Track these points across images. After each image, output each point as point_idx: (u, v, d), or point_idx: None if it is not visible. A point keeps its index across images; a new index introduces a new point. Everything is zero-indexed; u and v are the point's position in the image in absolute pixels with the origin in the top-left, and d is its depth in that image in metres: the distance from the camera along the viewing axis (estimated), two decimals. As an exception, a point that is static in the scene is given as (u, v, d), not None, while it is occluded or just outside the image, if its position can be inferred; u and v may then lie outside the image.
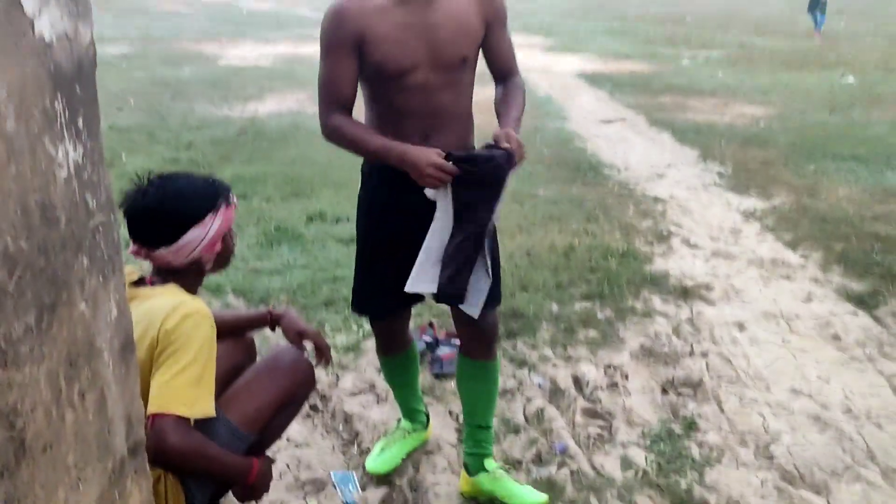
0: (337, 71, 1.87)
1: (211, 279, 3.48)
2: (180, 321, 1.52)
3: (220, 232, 1.68)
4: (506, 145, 1.79)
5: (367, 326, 3.15)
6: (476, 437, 2.21)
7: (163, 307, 1.55)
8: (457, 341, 3.00)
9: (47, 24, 0.98)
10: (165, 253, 1.64)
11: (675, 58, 12.67)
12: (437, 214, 1.85)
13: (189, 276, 1.69)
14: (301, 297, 3.46)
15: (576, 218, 4.62)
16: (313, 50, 8.82)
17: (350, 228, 4.29)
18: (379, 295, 2.16)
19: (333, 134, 1.92)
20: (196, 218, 1.64)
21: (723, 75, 10.66)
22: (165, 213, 1.62)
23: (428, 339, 3.03)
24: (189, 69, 10.81)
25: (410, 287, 1.90)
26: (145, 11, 23.29)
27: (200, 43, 14.53)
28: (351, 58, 1.84)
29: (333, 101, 1.90)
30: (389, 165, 1.85)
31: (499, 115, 1.99)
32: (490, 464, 2.20)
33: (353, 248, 3.96)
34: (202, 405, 1.50)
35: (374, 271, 2.14)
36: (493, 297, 2.03)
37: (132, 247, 1.66)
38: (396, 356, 2.35)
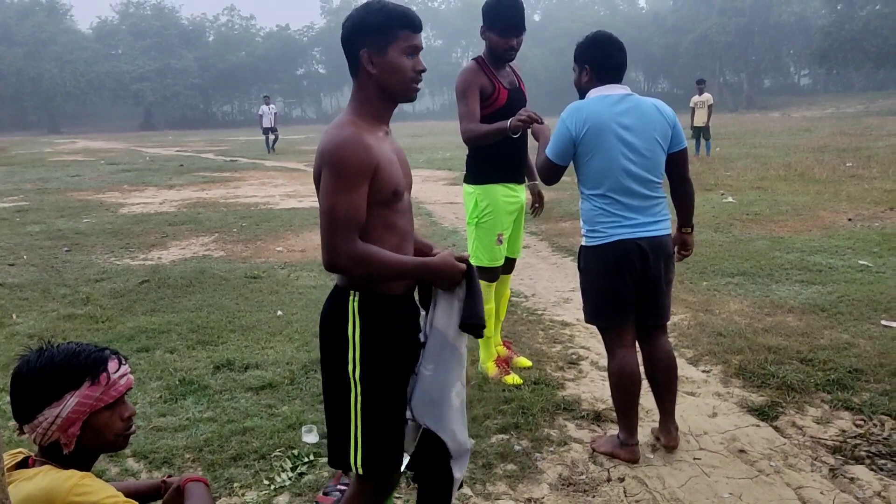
0: (358, 198, 1.90)
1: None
2: (69, 497, 1.42)
3: (76, 413, 1.56)
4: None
5: (281, 479, 3.03)
6: None
7: (42, 489, 1.44)
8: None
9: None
10: (28, 429, 1.56)
11: (572, 185, 13.37)
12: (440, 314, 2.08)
13: (62, 458, 1.57)
14: (208, 453, 3.29)
15: (487, 348, 4.66)
16: (220, 193, 8.93)
17: (259, 375, 4.20)
18: (400, 442, 2.08)
19: (363, 260, 1.91)
20: (50, 397, 1.55)
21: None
22: (22, 389, 1.55)
23: (343, 487, 2.92)
24: (87, 220, 10.61)
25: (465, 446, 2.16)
26: (43, 163, 22.99)
27: (100, 192, 14.37)
28: (366, 185, 1.92)
29: (354, 227, 1.90)
30: (382, 297, 2.00)
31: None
32: None
33: (262, 396, 3.90)
34: None
35: (396, 419, 2.05)
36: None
37: None
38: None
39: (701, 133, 17.78)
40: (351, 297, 1.99)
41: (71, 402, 1.56)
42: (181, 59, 68.73)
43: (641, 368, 3.26)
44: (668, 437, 3.28)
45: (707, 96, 17.83)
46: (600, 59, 3.17)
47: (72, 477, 1.47)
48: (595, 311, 3.24)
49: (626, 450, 3.20)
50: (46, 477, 1.48)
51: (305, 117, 75.91)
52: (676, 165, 3.19)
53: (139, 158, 23.99)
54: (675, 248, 3.29)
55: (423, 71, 2.01)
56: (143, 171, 19.11)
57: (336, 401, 2.04)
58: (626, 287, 3.10)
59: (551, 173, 3.21)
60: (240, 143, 34.06)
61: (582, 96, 3.24)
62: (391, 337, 2.01)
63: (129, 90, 66.44)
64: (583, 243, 3.23)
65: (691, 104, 18.07)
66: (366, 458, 2.01)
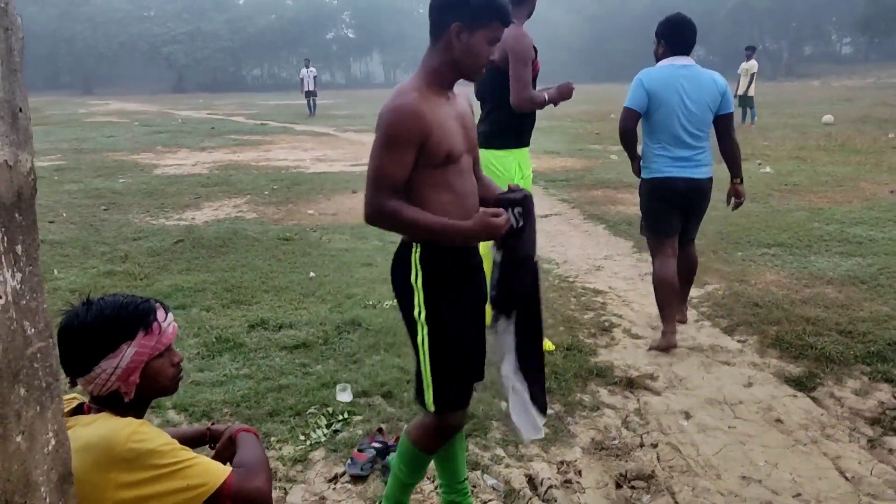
0: (400, 161, 2.04)
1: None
2: (128, 444, 1.46)
3: (135, 362, 1.59)
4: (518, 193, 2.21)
5: (316, 435, 3.08)
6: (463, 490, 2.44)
7: (102, 436, 1.47)
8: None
9: (-11, 154, 0.98)
10: (83, 382, 1.58)
11: (604, 153, 13.23)
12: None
13: (119, 405, 1.60)
14: (245, 408, 3.35)
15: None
16: (251, 156, 8.99)
17: (293, 334, 4.25)
18: (467, 380, 2.26)
19: (391, 216, 2.06)
20: (106, 350, 1.57)
21: (649, 169, 11.15)
22: (78, 342, 1.57)
23: (378, 444, 2.96)
24: (123, 180, 10.74)
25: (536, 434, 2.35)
26: (78, 123, 23.26)
27: (135, 153, 14.51)
28: (414, 150, 2.05)
29: (390, 187, 2.05)
30: (440, 249, 2.12)
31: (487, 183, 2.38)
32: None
33: (296, 355, 3.95)
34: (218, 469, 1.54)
35: (463, 357, 2.21)
36: None
37: None
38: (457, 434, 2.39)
39: (745, 102, 17.11)
40: (413, 249, 2.15)
41: (129, 352, 1.58)
42: (212, 22, 68.70)
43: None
44: (681, 314, 4.41)
45: (752, 63, 17.07)
46: (673, 36, 3.96)
47: (129, 424, 1.50)
48: (646, 227, 4.22)
49: (664, 338, 4.06)
50: (105, 424, 1.51)
51: (335, 82, 75.60)
52: (722, 125, 4.01)
53: (171, 121, 24.15)
54: (730, 198, 4.21)
55: (494, 59, 2.15)
56: (175, 133, 19.25)
57: (413, 344, 2.22)
58: (670, 212, 4.06)
59: (630, 118, 4.00)
60: (270, 106, 34.11)
61: (656, 62, 4.03)
62: (449, 284, 2.16)
63: (161, 53, 66.69)
64: (642, 176, 4.13)
65: (738, 71, 17.31)
66: (437, 396, 2.18)
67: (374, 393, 3.50)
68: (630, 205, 8.34)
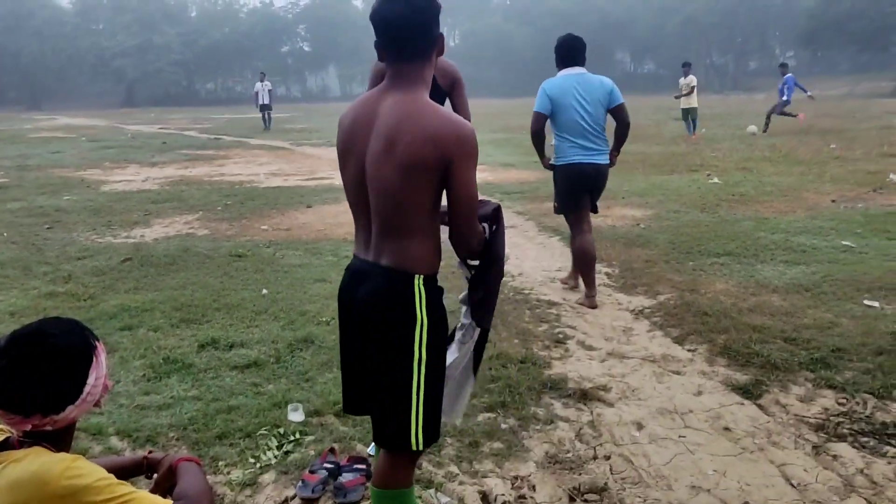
0: None
1: (91, 420, 3.26)
2: (62, 481, 1.39)
3: (98, 385, 1.55)
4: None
5: (266, 458, 3.02)
6: None
7: (34, 473, 1.41)
8: (360, 466, 2.92)
9: None
10: (69, 412, 1.51)
11: (557, 166, 13.35)
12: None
13: (51, 436, 1.52)
14: (193, 431, 3.27)
15: (473, 327, 4.66)
16: (204, 171, 8.86)
17: (245, 353, 4.18)
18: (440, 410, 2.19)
19: (481, 242, 2.13)
20: (88, 363, 1.53)
21: (601, 181, 11.30)
22: (58, 371, 1.48)
23: (329, 465, 2.91)
24: (69, 197, 10.48)
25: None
26: (23, 139, 22.66)
27: (81, 169, 14.18)
28: None
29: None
30: (434, 276, 2.08)
31: None
32: None
33: (247, 374, 3.88)
34: None
35: (441, 388, 2.16)
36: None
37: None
38: None
39: (689, 114, 18.22)
40: (417, 279, 2.02)
41: (102, 357, 1.56)
42: (163, 35, 67.78)
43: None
44: (574, 280, 5.51)
45: (690, 78, 18.02)
46: (564, 53, 5.08)
47: (63, 460, 1.44)
48: (562, 206, 5.31)
49: (588, 299, 5.09)
50: (37, 460, 1.44)
51: (290, 96, 75.14)
52: (616, 114, 5.04)
53: (121, 135, 23.69)
54: (610, 159, 5.19)
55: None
56: (125, 148, 18.88)
57: (395, 381, 2.04)
58: (580, 191, 5.13)
59: (538, 120, 5.04)
60: (224, 120, 33.72)
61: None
62: (443, 311, 2.11)
63: (111, 66, 65.54)
64: (554, 163, 5.17)
65: (679, 87, 18.43)
66: (425, 433, 2.06)
67: (327, 412, 3.45)
68: (583, 216, 8.44)
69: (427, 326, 2.02)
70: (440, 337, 2.08)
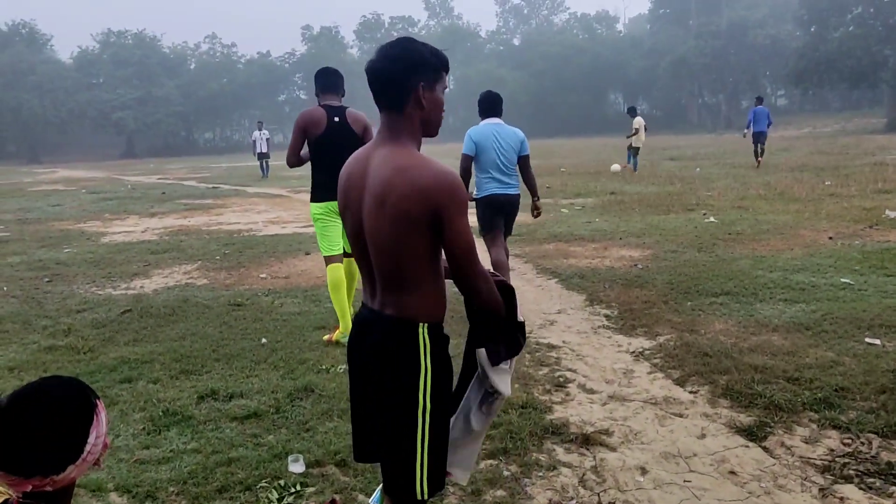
0: None
1: (91, 477, 3.23)
2: None
3: (97, 444, 1.54)
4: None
5: (266, 512, 2.98)
6: None
7: None
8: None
9: None
10: (69, 471, 1.50)
11: (555, 207, 13.45)
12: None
13: (49, 497, 1.51)
14: (192, 486, 3.24)
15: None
16: (202, 220, 8.95)
17: (244, 404, 4.15)
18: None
19: (487, 280, 2.09)
20: (89, 420, 1.52)
21: (599, 221, 11.38)
22: (62, 431, 1.46)
23: (331, 518, 2.88)
24: (68, 250, 10.51)
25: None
26: (23, 193, 22.80)
27: (81, 221, 14.25)
28: None
29: None
30: (439, 324, 2.11)
31: None
32: None
33: (247, 425, 3.85)
34: None
35: (447, 437, 2.17)
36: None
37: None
38: None
39: (635, 152, 20.55)
40: (421, 328, 2.06)
41: (102, 415, 1.55)
42: (162, 88, 68.70)
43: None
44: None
45: (638, 119, 20.35)
46: (485, 107, 6.16)
47: None
48: (482, 228, 6.19)
49: None
50: None
51: (287, 143, 75.78)
52: (522, 163, 6.10)
53: (121, 187, 23.85)
54: (533, 210, 6.44)
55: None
56: (124, 199, 18.99)
57: (401, 431, 2.07)
58: (496, 216, 6.13)
59: (466, 160, 5.99)
60: (222, 169, 33.97)
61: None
62: (448, 359, 2.15)
63: (111, 119, 66.24)
64: (476, 196, 6.10)
65: (644, 126, 20.67)
66: (430, 483, 2.09)
67: (328, 462, 3.42)
68: (582, 257, 8.47)
69: (431, 375, 2.06)
70: (445, 385, 2.12)
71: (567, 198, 15.09)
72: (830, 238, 8.84)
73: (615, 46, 72.50)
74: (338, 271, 5.49)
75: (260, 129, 25.66)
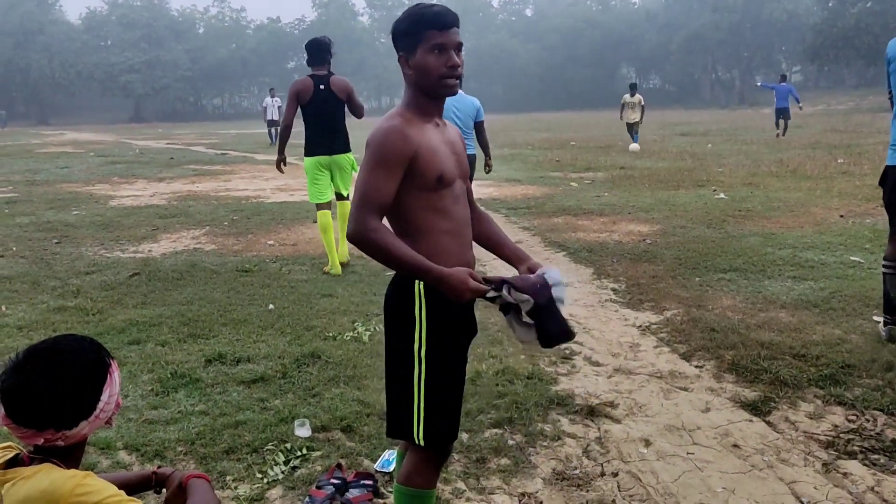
0: (387, 181, 2.06)
1: (100, 435, 3.27)
2: (72, 498, 1.40)
3: (110, 402, 1.56)
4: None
5: (273, 473, 3.02)
6: None
7: (44, 490, 1.41)
8: (367, 482, 2.91)
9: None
10: (81, 427, 1.51)
11: (564, 181, 13.40)
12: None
13: (61, 452, 1.53)
14: (200, 446, 3.27)
15: (480, 342, 4.65)
16: (211, 186, 9.00)
17: (251, 368, 4.18)
18: (458, 413, 2.25)
19: (371, 235, 2.03)
20: (103, 380, 1.53)
21: (608, 196, 11.33)
22: (71, 388, 1.48)
23: (336, 481, 2.91)
24: (77, 212, 10.54)
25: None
26: (31, 154, 22.83)
27: (90, 184, 14.27)
28: (401, 170, 2.07)
29: (377, 206, 2.06)
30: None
31: (500, 243, 2.45)
32: None
33: (254, 389, 3.88)
34: None
35: (458, 394, 2.24)
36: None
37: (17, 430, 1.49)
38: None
39: (634, 128, 20.06)
40: (417, 284, 2.13)
41: (116, 375, 1.57)
42: (171, 52, 68.38)
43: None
44: None
45: (638, 97, 19.85)
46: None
47: (73, 476, 1.44)
48: None
49: None
50: (48, 477, 1.45)
51: (297, 111, 75.54)
52: (478, 128, 6.92)
53: (129, 151, 23.84)
54: (486, 166, 7.41)
55: (456, 66, 2.09)
56: (132, 163, 18.99)
57: (400, 377, 2.18)
58: None
59: None
60: (231, 136, 33.90)
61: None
62: (451, 317, 2.16)
63: (119, 82, 66.07)
64: None
65: (622, 102, 20.26)
66: (427, 430, 2.15)
67: (334, 427, 3.45)
68: (590, 231, 8.45)
69: (427, 330, 2.13)
70: (443, 341, 2.16)
71: (577, 172, 15.02)
72: (841, 216, 8.78)
73: (629, 19, 71.64)
74: (326, 217, 6.52)
75: (272, 97, 25.53)
